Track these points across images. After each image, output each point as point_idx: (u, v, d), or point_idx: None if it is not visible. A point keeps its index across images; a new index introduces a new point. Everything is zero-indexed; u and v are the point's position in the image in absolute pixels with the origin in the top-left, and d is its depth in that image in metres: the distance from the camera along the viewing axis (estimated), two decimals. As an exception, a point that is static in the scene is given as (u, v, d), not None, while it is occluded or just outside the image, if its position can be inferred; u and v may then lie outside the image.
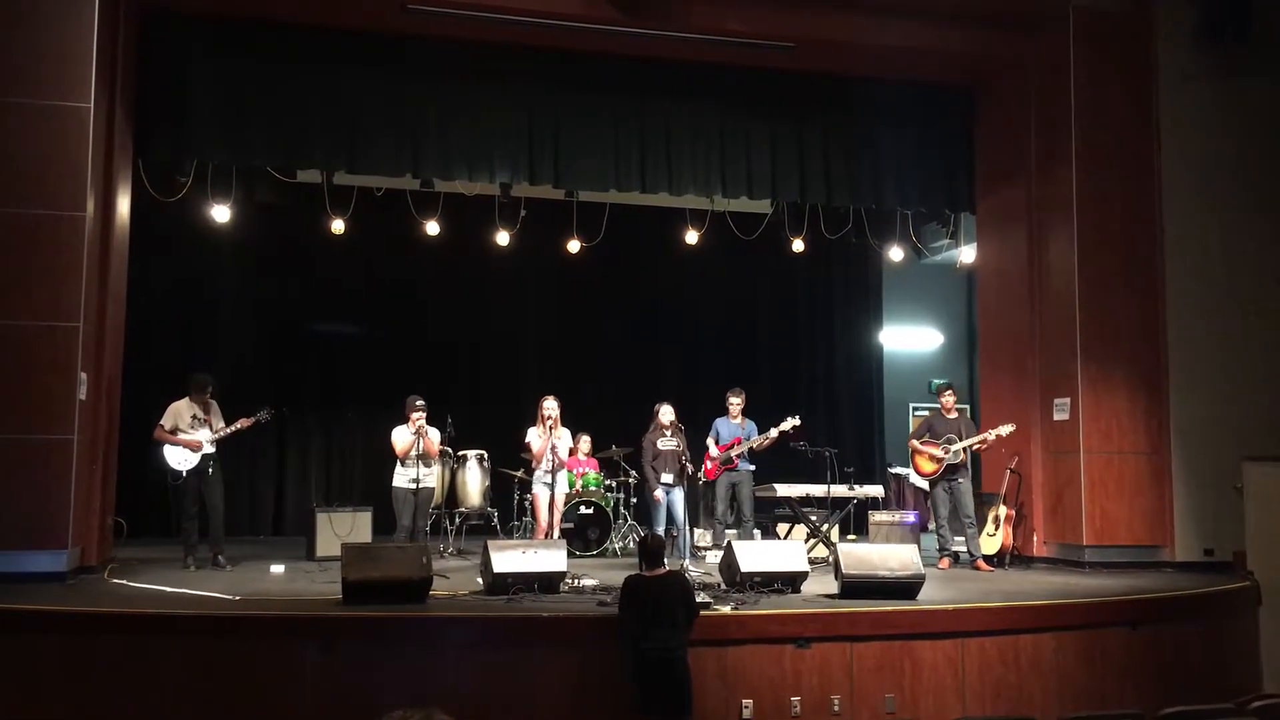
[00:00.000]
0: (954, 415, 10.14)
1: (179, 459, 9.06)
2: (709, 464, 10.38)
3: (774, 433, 10.20)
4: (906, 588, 7.59)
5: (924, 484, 10.88)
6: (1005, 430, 9.88)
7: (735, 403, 10.39)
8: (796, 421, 10.20)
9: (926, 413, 11.59)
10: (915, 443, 10.17)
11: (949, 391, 10.24)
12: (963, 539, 10.05)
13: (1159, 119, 10.30)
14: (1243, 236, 10.28)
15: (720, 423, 10.43)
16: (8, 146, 8.17)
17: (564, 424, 9.79)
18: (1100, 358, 10.10)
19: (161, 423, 9.12)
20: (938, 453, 9.89)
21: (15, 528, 7.81)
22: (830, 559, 8.71)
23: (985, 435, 9.93)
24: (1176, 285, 10.18)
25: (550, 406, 9.60)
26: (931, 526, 10.39)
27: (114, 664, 6.34)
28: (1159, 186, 10.25)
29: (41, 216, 8.15)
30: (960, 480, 9.91)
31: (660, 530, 9.62)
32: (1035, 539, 10.53)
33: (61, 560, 7.94)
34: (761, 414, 10.44)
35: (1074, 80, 10.25)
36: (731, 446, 10.22)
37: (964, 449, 9.85)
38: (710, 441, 10.40)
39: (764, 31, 10.28)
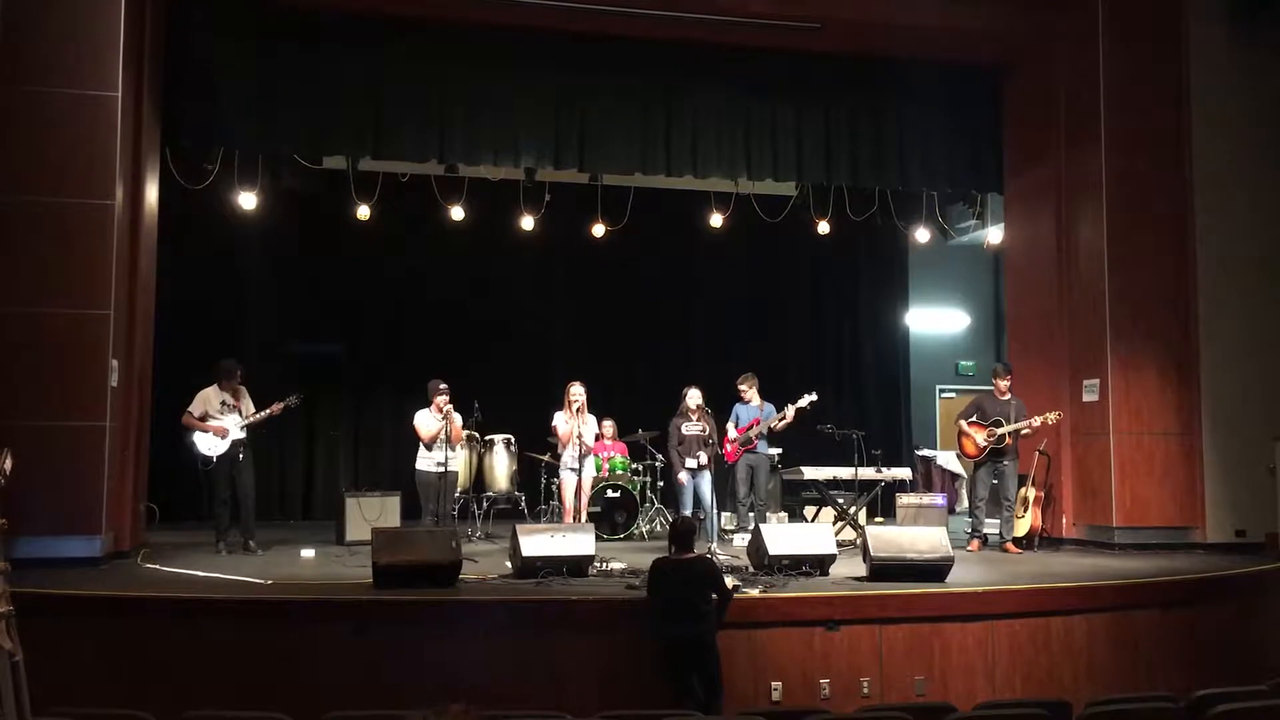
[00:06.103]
0: (1007, 398, 9.96)
1: (208, 445, 9.12)
2: (728, 446, 10.38)
3: (790, 411, 10.19)
4: (935, 570, 7.56)
5: (954, 466, 10.82)
6: (1052, 417, 9.77)
7: (743, 389, 10.44)
8: (813, 397, 10.19)
9: (953, 395, 11.52)
10: (963, 423, 10.01)
11: (1006, 374, 10.09)
12: (996, 521, 9.99)
13: (1190, 98, 10.16)
14: (1275, 217, 10.15)
15: (740, 408, 10.48)
16: (37, 136, 8.21)
17: (591, 408, 9.82)
18: (1130, 338, 10.01)
19: (190, 409, 9.16)
20: (981, 439, 9.78)
21: (49, 514, 7.85)
22: (858, 542, 8.69)
23: (1031, 421, 9.72)
24: (1207, 265, 10.06)
25: (577, 392, 9.65)
26: (959, 509, 10.33)
27: (146, 648, 6.40)
28: (1190, 166, 10.13)
29: (71, 205, 8.21)
30: (1006, 463, 9.79)
31: (686, 514, 9.65)
32: (1064, 521, 10.47)
33: (95, 545, 8.03)
34: (787, 396, 10.41)
35: (1103, 58, 10.12)
36: (750, 428, 10.23)
37: (1008, 434, 9.73)
38: (730, 426, 10.43)
39: (789, 12, 10.22)
